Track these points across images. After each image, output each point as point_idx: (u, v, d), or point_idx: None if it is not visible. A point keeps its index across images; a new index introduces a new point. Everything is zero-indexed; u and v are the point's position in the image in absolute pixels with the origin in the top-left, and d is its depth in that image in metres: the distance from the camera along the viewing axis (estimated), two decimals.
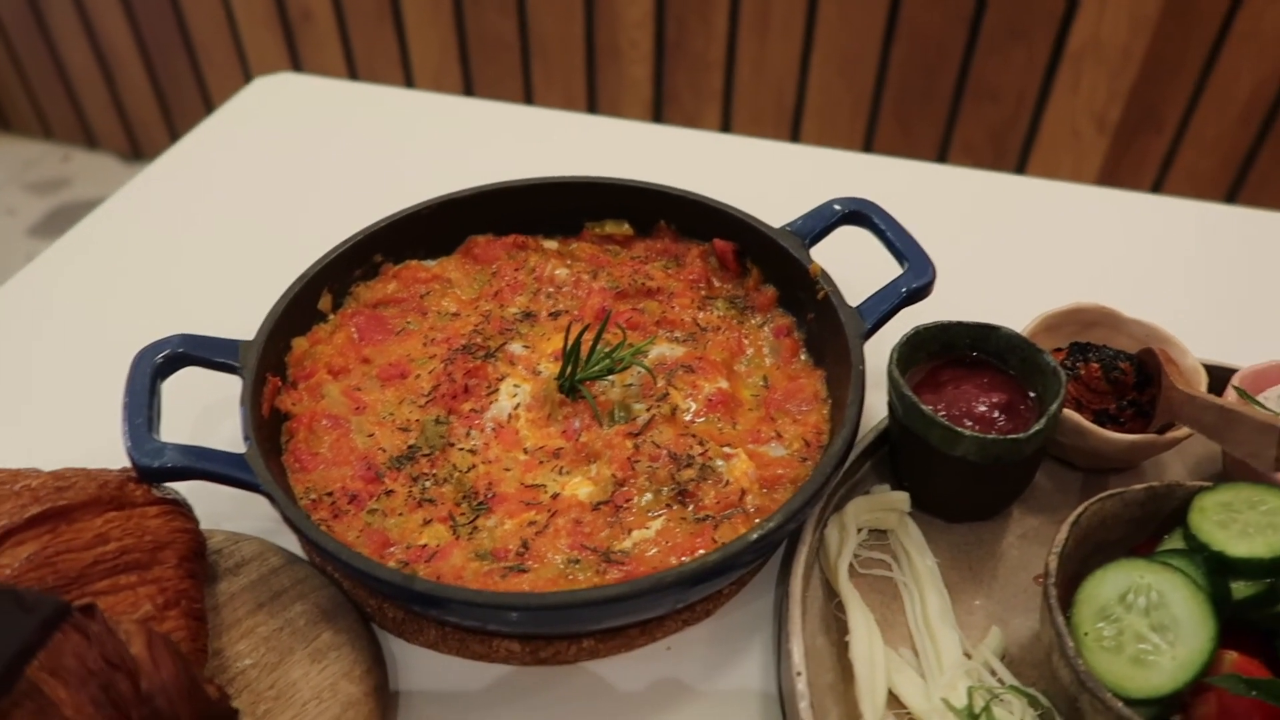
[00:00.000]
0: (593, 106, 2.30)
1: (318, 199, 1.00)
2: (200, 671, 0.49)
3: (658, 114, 2.27)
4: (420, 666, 0.61)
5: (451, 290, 0.79)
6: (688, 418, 0.69)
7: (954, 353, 0.68)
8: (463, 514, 0.63)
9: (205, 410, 0.76)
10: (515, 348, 0.74)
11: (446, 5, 2.27)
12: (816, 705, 0.55)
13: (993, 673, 0.57)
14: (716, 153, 1.08)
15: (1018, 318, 0.72)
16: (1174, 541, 0.57)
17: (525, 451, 0.67)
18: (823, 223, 0.76)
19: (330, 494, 0.64)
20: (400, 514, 0.63)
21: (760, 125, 2.18)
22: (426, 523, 0.63)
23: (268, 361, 0.68)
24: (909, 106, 2.05)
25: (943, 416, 0.62)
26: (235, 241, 0.95)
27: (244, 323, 0.69)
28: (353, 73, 2.44)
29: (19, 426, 0.77)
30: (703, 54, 2.14)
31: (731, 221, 0.78)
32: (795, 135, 2.19)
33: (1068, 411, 0.64)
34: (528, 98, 2.35)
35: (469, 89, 2.35)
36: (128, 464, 0.58)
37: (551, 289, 0.79)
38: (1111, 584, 0.54)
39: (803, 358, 0.74)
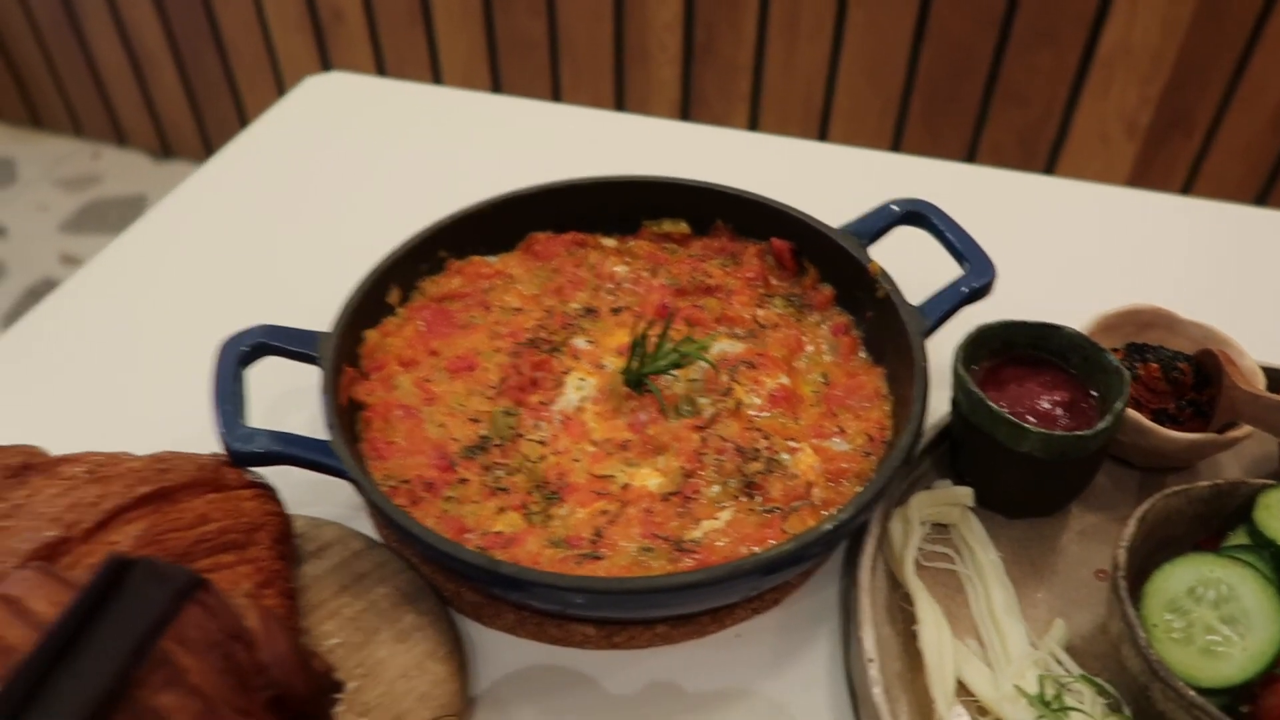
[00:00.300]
0: (620, 107, 2.31)
1: (374, 195, 1.02)
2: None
3: (685, 116, 2.28)
4: (496, 650, 0.63)
5: (514, 285, 0.81)
6: (751, 413, 0.70)
7: (1014, 351, 0.69)
8: (535, 503, 0.65)
9: (275, 401, 0.78)
10: (579, 342, 0.76)
11: (476, 6, 2.29)
12: (888, 692, 0.56)
13: (1059, 663, 0.59)
14: (757, 152, 1.10)
15: (1064, 318, 0.73)
16: (1238, 538, 0.59)
17: (593, 443, 0.69)
18: (881, 223, 0.78)
19: (407, 481, 0.66)
20: (475, 501, 0.65)
21: (787, 128, 2.20)
22: (501, 510, 0.65)
23: (343, 353, 0.70)
24: (937, 110, 2.06)
25: (1008, 413, 0.63)
26: (293, 236, 0.97)
27: (305, 315, 0.71)
28: (381, 72, 2.47)
29: (99, 415, 0.79)
30: (732, 57, 2.15)
31: (790, 221, 0.80)
32: (823, 138, 2.20)
33: (1129, 410, 0.66)
34: (556, 98, 2.37)
35: (497, 89, 2.38)
36: (215, 450, 0.60)
37: (611, 285, 0.81)
38: (1180, 578, 0.55)
39: (861, 355, 0.75)
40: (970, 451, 0.67)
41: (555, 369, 0.74)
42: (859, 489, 0.63)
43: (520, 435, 0.69)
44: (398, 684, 0.55)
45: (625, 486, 0.66)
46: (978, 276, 0.71)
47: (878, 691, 0.55)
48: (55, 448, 0.60)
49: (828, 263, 0.79)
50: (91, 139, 3.00)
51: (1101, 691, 0.56)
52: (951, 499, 0.66)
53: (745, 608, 0.64)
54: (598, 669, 0.62)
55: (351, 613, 0.59)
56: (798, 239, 0.80)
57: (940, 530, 0.67)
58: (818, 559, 0.64)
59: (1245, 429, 0.66)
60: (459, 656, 0.59)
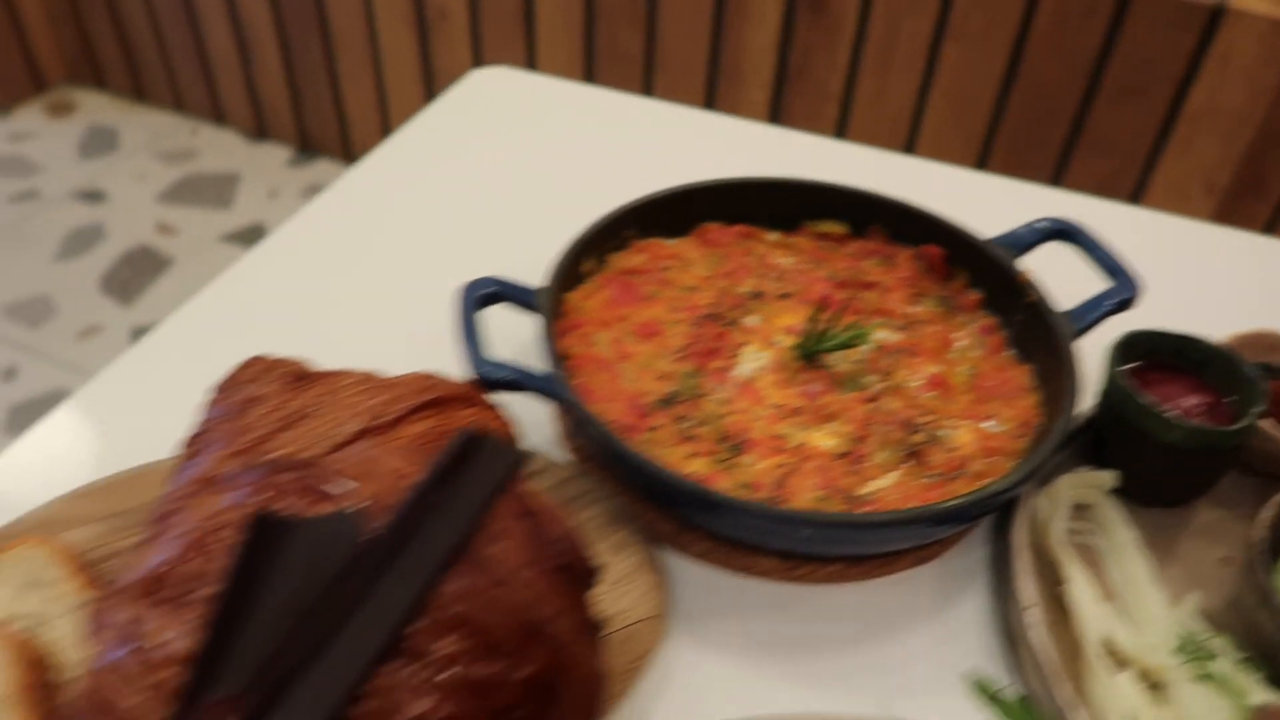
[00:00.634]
0: None
1: (539, 179, 1.11)
2: None
3: None
4: (686, 576, 0.71)
5: (689, 267, 0.90)
6: (911, 393, 0.79)
7: (1157, 357, 0.77)
8: (721, 451, 0.73)
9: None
10: (751, 320, 0.85)
11: (579, 17, 2.40)
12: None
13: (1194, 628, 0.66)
14: (902, 169, 1.18)
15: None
16: None
17: (769, 407, 0.77)
18: (1031, 238, 0.86)
19: (610, 422, 0.74)
20: (668, 445, 0.74)
21: None
22: (691, 455, 0.73)
23: (554, 308, 0.79)
24: (1019, 152, 2.14)
25: (1160, 408, 0.71)
26: (478, 209, 1.07)
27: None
28: None
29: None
30: (824, 84, 2.25)
31: (944, 230, 0.88)
32: None
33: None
34: None
35: None
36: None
37: (776, 275, 0.90)
38: None
39: (1006, 353, 0.84)
40: (1118, 441, 0.74)
41: (732, 340, 0.82)
42: (1011, 465, 0.71)
43: (703, 395, 0.78)
44: (618, 585, 0.64)
45: (801, 445, 0.74)
46: (1124, 290, 0.80)
47: (1037, 633, 0.63)
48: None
49: (977, 270, 0.87)
50: (192, 116, 3.13)
51: (1239, 648, 0.64)
52: (1096, 482, 0.73)
53: (909, 557, 0.72)
54: (776, 599, 0.70)
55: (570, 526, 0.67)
56: (951, 247, 0.89)
57: (1079, 511, 0.75)
58: (979, 519, 0.72)
59: None
60: (664, 571, 0.67)
